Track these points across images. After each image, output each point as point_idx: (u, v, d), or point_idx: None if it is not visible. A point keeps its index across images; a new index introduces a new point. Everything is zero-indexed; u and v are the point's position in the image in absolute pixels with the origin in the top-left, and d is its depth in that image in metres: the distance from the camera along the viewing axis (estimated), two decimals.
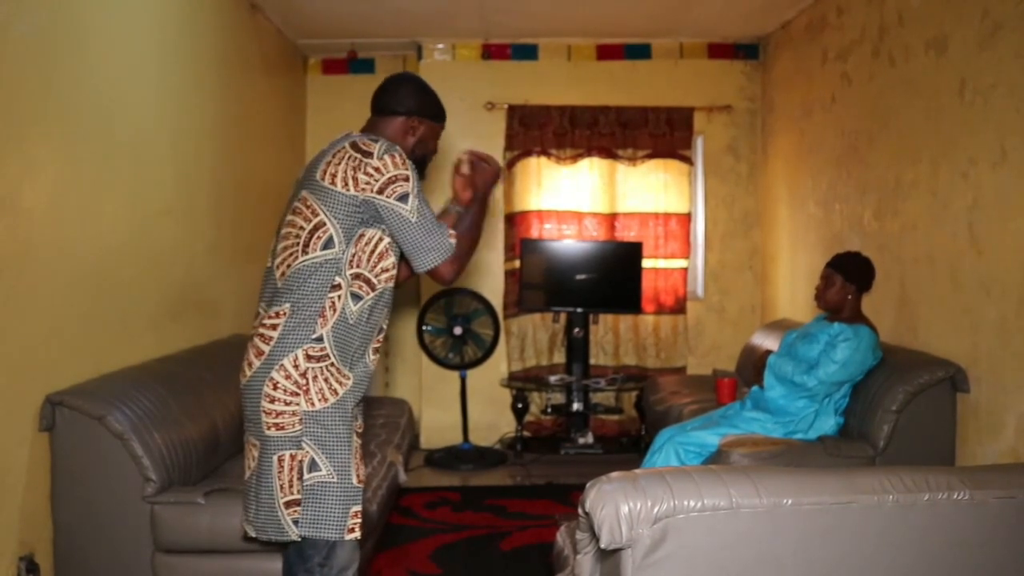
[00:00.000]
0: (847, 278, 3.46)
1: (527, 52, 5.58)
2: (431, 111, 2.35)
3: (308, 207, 2.14)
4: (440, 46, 5.57)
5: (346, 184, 2.10)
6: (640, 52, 5.58)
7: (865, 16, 4.00)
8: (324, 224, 2.11)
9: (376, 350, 2.24)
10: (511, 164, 5.53)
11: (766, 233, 5.55)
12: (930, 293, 3.45)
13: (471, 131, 5.55)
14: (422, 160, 2.36)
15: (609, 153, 5.52)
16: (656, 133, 5.53)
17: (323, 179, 2.13)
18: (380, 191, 2.10)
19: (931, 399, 3.23)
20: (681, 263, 5.57)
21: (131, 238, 3.16)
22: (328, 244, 2.10)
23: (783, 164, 5.22)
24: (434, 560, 3.60)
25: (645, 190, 5.58)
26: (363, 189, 2.10)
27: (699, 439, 3.42)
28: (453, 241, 2.18)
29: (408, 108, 2.31)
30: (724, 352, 5.54)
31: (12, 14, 2.45)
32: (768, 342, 4.59)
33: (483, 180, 2.37)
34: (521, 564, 3.57)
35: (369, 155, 2.11)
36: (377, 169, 2.10)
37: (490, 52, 5.57)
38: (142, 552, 2.70)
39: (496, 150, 5.55)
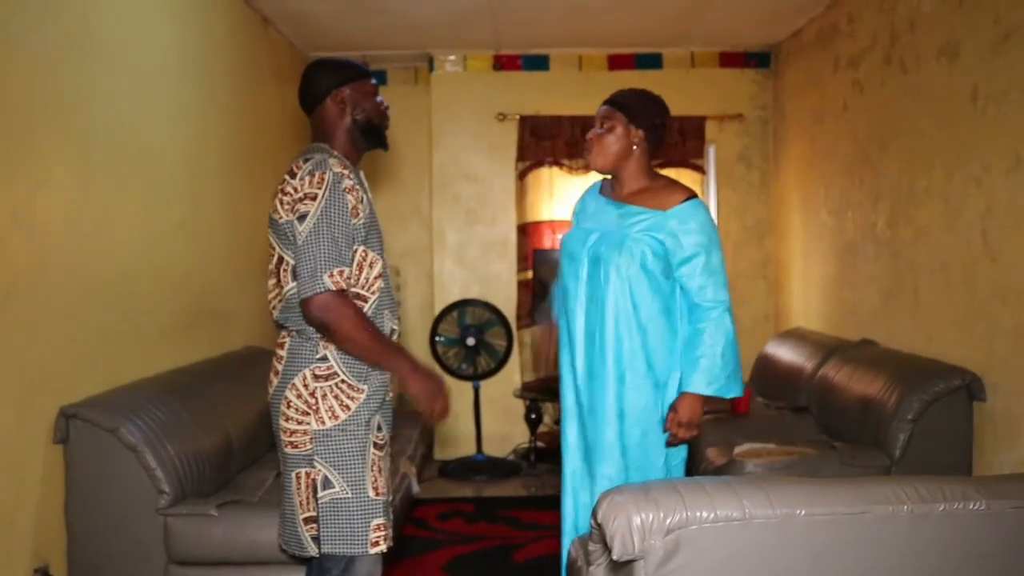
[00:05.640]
0: (631, 119, 2.53)
1: (538, 63, 5.59)
2: (347, 73, 2.22)
3: (271, 243, 2.16)
4: (452, 57, 5.59)
5: (282, 213, 2.09)
6: (651, 62, 5.58)
7: (876, 23, 3.98)
8: (283, 258, 2.11)
9: None
10: (523, 175, 5.53)
11: (779, 242, 5.53)
12: (944, 301, 3.42)
13: (482, 142, 5.58)
14: (375, 129, 2.23)
15: None
16: (668, 142, 5.49)
17: (273, 213, 2.13)
18: (292, 210, 2.05)
19: (947, 408, 3.20)
20: None
21: (144, 250, 3.18)
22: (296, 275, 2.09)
23: (795, 172, 5.20)
24: (447, 571, 3.59)
25: None
26: (287, 211, 2.07)
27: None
28: (328, 281, 1.98)
29: (326, 86, 2.21)
30: None
31: (27, 29, 2.47)
32: (781, 352, 4.56)
33: (423, 392, 2.19)
34: (534, 575, 3.55)
35: (293, 176, 2.07)
36: (295, 188, 2.05)
37: (501, 63, 5.58)
38: (155, 564, 2.71)
39: (508, 161, 5.56)
